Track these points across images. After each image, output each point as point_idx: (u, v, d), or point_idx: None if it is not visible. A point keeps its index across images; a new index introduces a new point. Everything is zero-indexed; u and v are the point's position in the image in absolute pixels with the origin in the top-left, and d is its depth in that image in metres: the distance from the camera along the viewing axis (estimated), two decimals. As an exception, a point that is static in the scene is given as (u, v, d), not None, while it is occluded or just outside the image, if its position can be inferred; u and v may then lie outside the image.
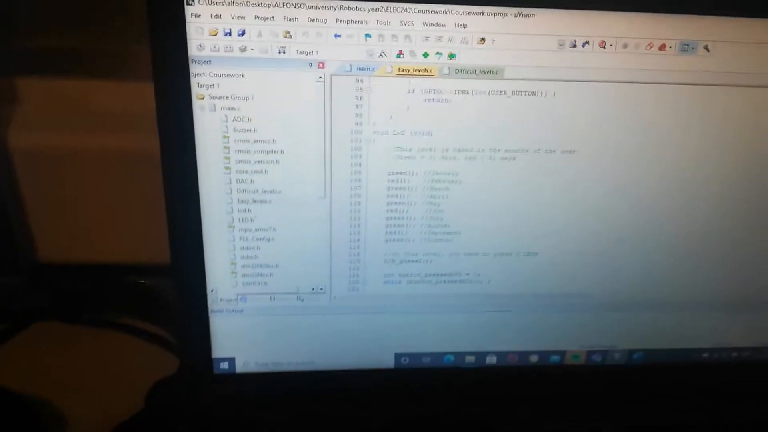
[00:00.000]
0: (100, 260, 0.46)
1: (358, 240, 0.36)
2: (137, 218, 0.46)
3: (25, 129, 0.44)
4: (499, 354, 0.39)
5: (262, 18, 0.32)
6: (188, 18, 0.32)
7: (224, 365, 0.37)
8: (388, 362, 0.38)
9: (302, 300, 0.36)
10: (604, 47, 0.34)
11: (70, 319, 0.46)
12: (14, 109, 0.45)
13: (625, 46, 0.34)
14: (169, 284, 0.46)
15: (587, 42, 0.34)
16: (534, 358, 0.39)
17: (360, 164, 0.34)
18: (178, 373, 0.39)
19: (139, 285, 0.46)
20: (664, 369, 0.40)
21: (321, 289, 0.36)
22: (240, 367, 0.37)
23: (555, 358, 0.39)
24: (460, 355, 0.39)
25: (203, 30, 0.32)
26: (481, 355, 0.39)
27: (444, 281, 0.37)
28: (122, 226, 0.46)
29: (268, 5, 0.32)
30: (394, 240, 0.36)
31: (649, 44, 0.34)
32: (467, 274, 0.37)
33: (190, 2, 0.31)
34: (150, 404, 0.38)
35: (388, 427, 0.37)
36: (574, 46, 0.34)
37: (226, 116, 0.33)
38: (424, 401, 0.38)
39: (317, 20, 0.32)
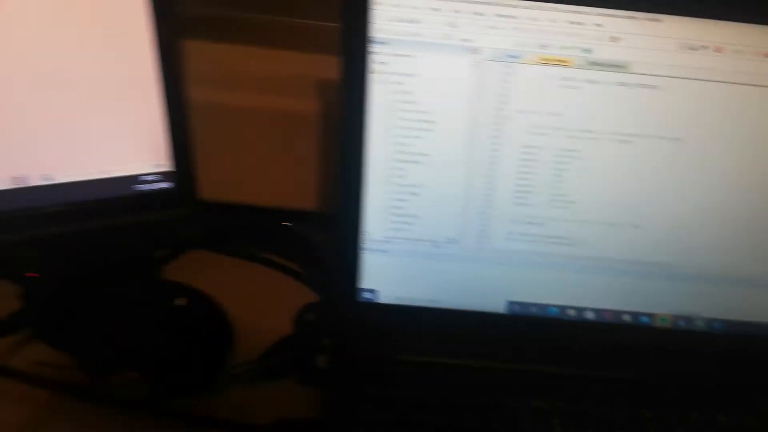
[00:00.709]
0: (251, 202, 0.55)
1: (490, 201, 0.42)
2: (285, 169, 0.54)
3: (200, 85, 0.52)
4: (596, 311, 0.45)
5: (433, 9, 0.39)
6: (373, 6, 0.39)
7: (368, 295, 0.44)
8: (501, 307, 0.45)
9: (438, 247, 0.43)
10: (719, 52, 0.39)
11: (220, 250, 0.54)
12: (196, 68, 0.53)
13: (738, 52, 0.39)
14: (310, 227, 0.54)
15: (705, 46, 0.39)
16: (626, 317, 0.45)
17: (499, 137, 0.41)
18: (324, 299, 0.46)
19: (283, 226, 0.54)
20: (741, 339, 0.46)
21: (454, 239, 0.43)
22: (381, 298, 0.44)
23: (645, 319, 0.45)
24: (562, 308, 0.45)
25: (384, 16, 0.39)
26: (581, 310, 0.45)
27: (557, 242, 0.43)
28: (273, 175, 0.54)
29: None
30: (519, 204, 0.42)
31: (759, 52, 0.39)
32: (577, 238, 0.43)
33: (372, -5, 0.39)
34: (300, 322, 0.46)
35: (493, 360, 0.44)
36: (693, 48, 0.39)
37: (394, 89, 0.40)
38: (528, 344, 0.45)
39: (477, 14, 0.39)
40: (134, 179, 0.48)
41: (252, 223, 0.55)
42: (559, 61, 0.40)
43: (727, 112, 0.41)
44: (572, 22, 0.39)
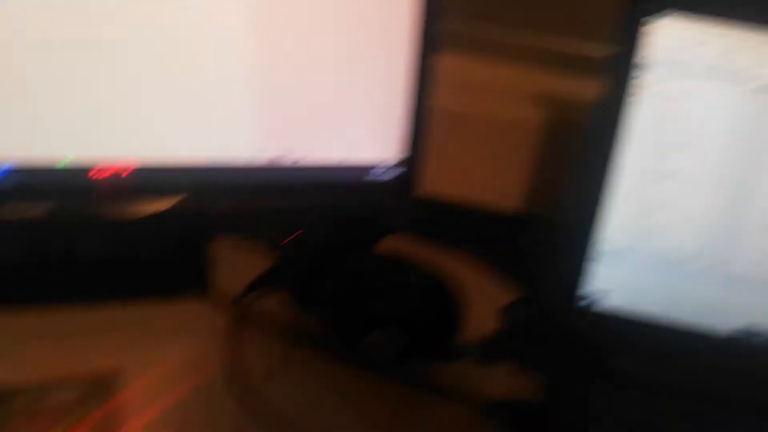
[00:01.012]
0: (462, 198, 0.59)
1: (739, 225, 0.43)
2: (497, 172, 0.58)
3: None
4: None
5: (703, 39, 0.40)
6: (643, 34, 0.41)
7: (592, 299, 0.46)
8: (729, 331, 0.45)
9: (676, 264, 0.44)
10: None
11: (426, 237, 0.58)
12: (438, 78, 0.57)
13: None
14: (520, 228, 0.57)
15: None
16: None
17: (758, 163, 0.42)
18: (531, 296, 0.49)
19: (489, 224, 0.57)
20: None
21: (694, 258, 0.44)
22: (605, 305, 0.46)
23: None
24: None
25: (653, 43, 0.41)
26: (814, 346, 0.44)
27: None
28: (484, 176, 0.58)
29: (709, 29, 0.40)
30: (769, 228, 0.42)
31: None
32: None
33: (646, 23, 0.41)
34: (511, 314, 0.49)
35: (713, 381, 0.44)
36: None
37: (654, 110, 0.42)
38: (752, 372, 0.45)
39: (750, 45, 0.40)
40: (370, 168, 0.53)
41: (460, 218, 0.59)
42: (839, 94, 0.40)
43: None
44: None
